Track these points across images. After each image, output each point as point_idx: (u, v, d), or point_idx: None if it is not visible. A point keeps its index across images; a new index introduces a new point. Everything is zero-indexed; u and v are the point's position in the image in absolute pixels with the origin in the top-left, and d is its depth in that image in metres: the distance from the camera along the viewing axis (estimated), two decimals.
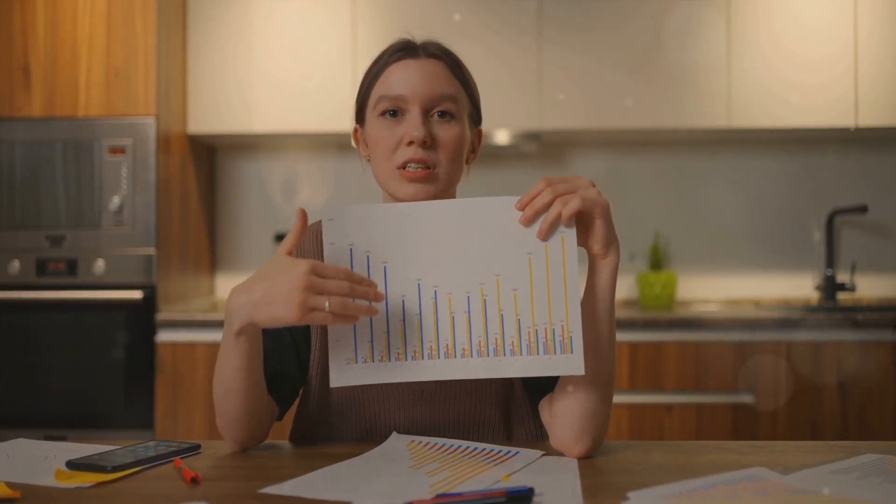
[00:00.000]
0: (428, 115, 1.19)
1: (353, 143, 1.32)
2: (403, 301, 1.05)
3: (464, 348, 1.04)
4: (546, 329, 1.02)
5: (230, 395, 1.09)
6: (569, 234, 1.02)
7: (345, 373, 1.05)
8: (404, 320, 1.04)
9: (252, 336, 1.04)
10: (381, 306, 1.04)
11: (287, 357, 1.21)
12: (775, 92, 3.03)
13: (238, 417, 1.10)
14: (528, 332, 1.02)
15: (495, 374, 1.03)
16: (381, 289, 1.04)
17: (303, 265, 0.97)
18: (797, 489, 0.90)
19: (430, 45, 1.23)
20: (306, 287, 0.96)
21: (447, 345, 1.04)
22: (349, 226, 1.04)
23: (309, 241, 1.28)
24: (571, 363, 1.01)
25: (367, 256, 1.05)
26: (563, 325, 1.02)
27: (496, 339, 1.03)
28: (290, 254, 1.02)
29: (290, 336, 1.22)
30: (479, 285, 1.04)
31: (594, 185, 1.03)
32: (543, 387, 1.16)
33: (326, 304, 0.96)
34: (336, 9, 3.07)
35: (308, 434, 1.26)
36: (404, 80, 1.19)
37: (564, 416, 1.08)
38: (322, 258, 1.08)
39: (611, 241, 1.04)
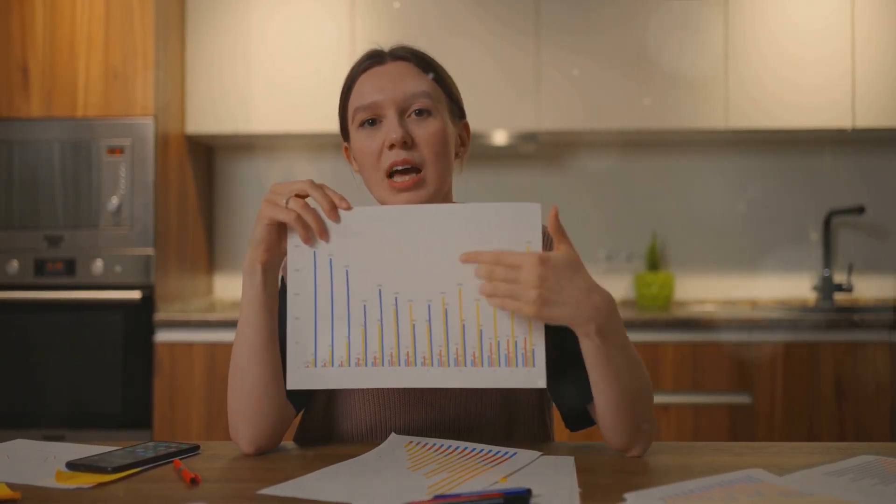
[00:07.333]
0: (404, 115, 1.19)
1: (345, 158, 1.32)
2: (365, 306, 1.04)
3: (424, 357, 1.02)
4: (508, 341, 1.01)
5: (248, 374, 1.09)
6: (534, 246, 1.01)
7: (302, 376, 1.04)
8: (365, 326, 1.03)
9: (267, 280, 1.08)
10: (342, 311, 1.04)
11: None
12: (773, 93, 3.04)
13: (254, 408, 1.09)
14: (490, 344, 1.01)
15: (455, 385, 1.02)
16: (342, 294, 1.04)
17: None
18: (793, 491, 0.90)
19: (397, 49, 1.23)
20: (269, 197, 1.06)
21: (408, 352, 1.03)
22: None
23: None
24: (533, 376, 1.00)
25: (330, 260, 1.05)
26: (525, 338, 1.00)
27: (457, 349, 1.02)
28: None
29: None
30: (441, 294, 1.02)
31: (542, 265, 0.96)
32: (572, 405, 1.15)
33: (284, 202, 1.04)
34: (335, 9, 3.08)
35: (312, 435, 1.26)
36: (375, 86, 1.19)
37: (612, 430, 1.07)
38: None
39: (580, 321, 0.98)
